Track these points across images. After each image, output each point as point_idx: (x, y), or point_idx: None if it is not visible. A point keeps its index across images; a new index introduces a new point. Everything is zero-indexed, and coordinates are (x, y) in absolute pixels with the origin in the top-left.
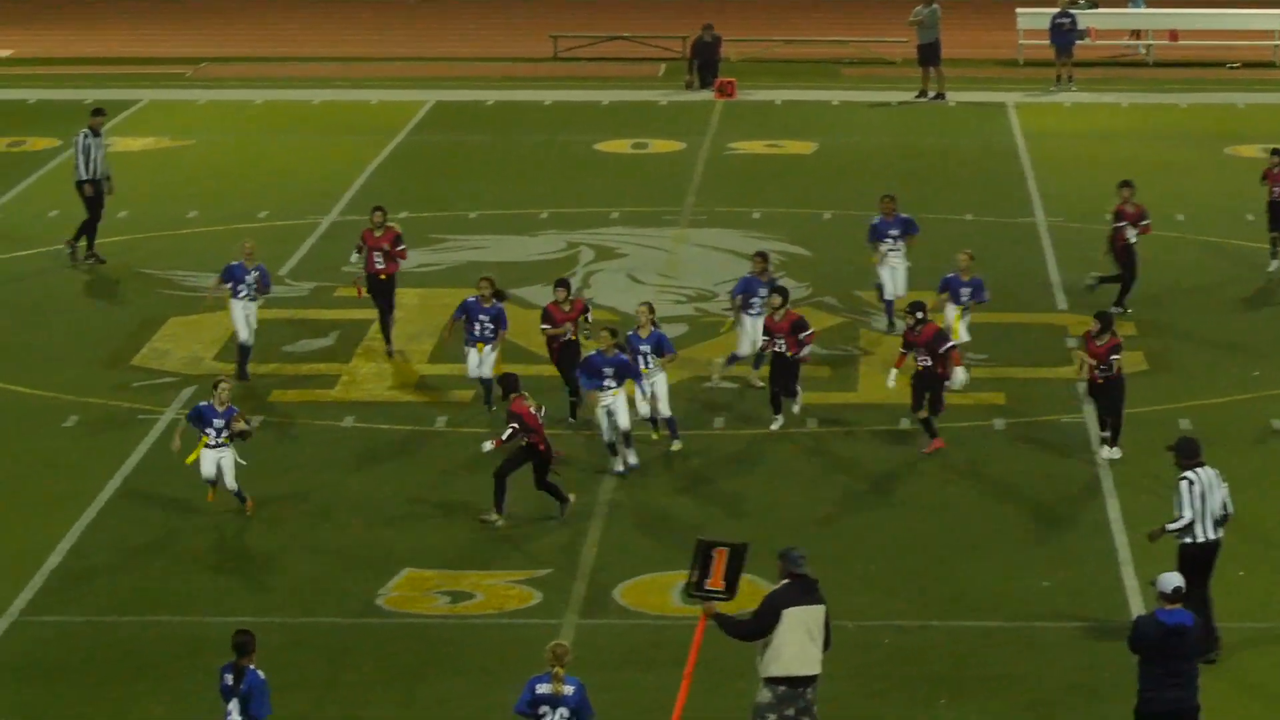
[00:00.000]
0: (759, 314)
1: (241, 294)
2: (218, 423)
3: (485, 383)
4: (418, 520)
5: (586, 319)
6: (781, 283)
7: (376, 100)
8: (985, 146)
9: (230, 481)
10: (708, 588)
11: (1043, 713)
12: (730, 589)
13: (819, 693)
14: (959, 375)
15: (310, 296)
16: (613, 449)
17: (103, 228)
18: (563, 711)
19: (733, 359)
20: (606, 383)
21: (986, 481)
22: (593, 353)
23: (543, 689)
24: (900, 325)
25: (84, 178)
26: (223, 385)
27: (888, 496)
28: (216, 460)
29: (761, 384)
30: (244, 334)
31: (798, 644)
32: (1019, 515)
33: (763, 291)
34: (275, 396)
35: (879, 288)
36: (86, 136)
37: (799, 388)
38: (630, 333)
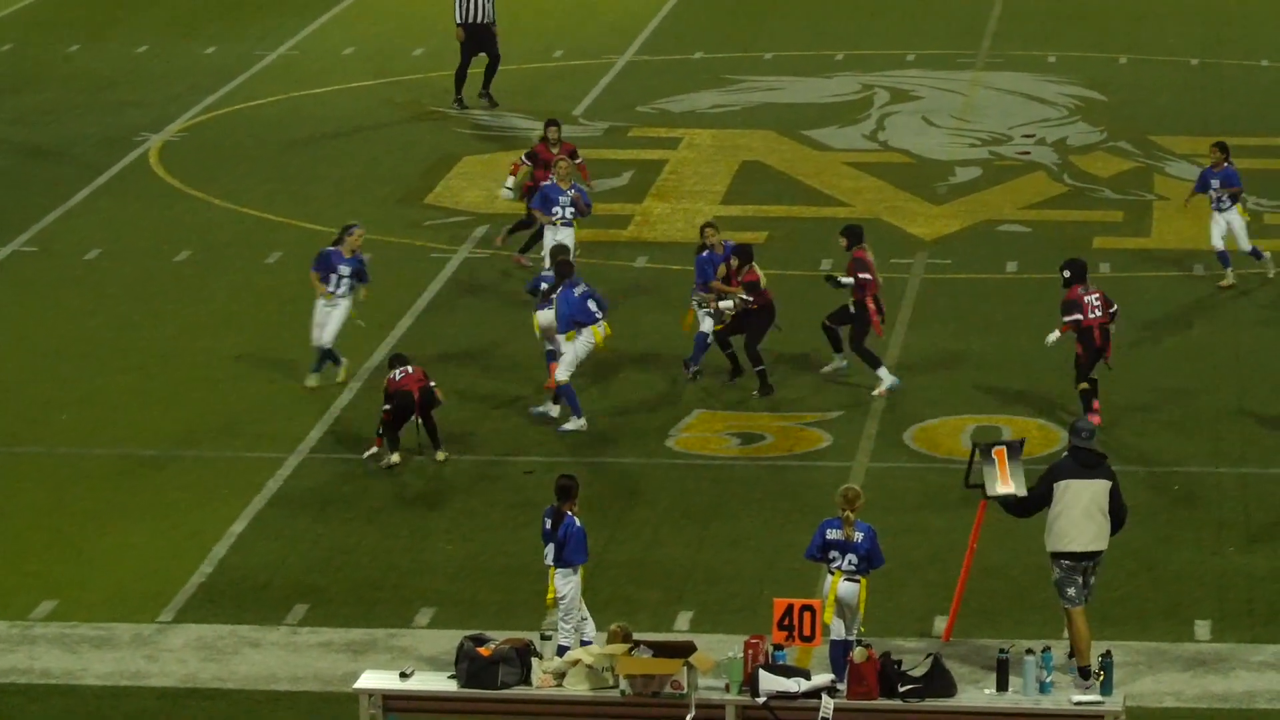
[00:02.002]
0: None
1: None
2: (343, 269)
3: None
4: (710, 364)
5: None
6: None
7: None
8: None
9: (328, 337)
10: (999, 492)
11: None
12: (1019, 486)
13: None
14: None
15: (604, 136)
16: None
17: (397, 66)
18: (852, 557)
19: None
20: None
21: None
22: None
23: (833, 534)
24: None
25: (459, 21)
26: (356, 231)
27: (1178, 340)
28: (328, 312)
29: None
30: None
31: (1072, 519)
32: None
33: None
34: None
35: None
36: None
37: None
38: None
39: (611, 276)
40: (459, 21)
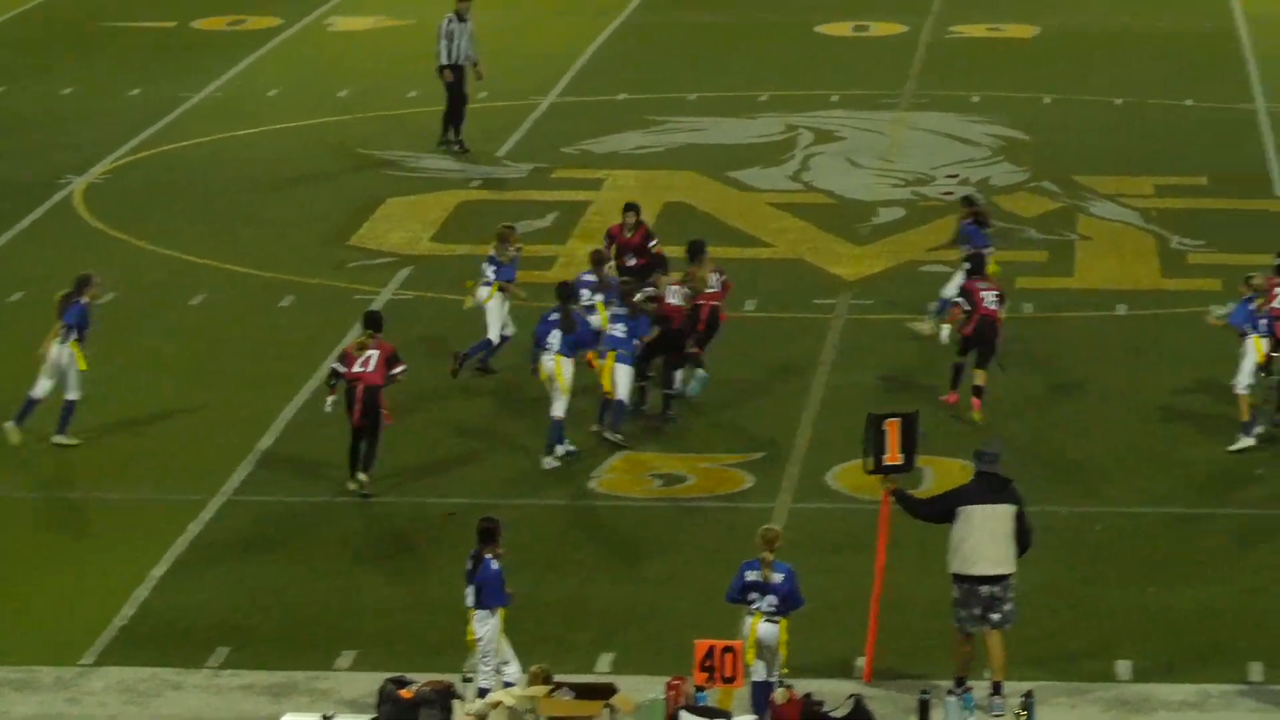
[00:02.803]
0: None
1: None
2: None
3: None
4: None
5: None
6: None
7: None
8: (1206, 31)
9: (40, 391)
10: (886, 463)
11: (1255, 599)
12: (909, 459)
13: (1027, 582)
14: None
15: (528, 178)
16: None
17: (322, 107)
18: (772, 598)
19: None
20: None
21: (1203, 370)
22: None
23: (752, 575)
24: None
25: (444, 63)
26: (95, 281)
27: (1102, 380)
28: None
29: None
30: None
31: (975, 542)
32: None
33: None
34: None
35: None
36: (450, 21)
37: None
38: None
39: (535, 317)
40: (444, 63)
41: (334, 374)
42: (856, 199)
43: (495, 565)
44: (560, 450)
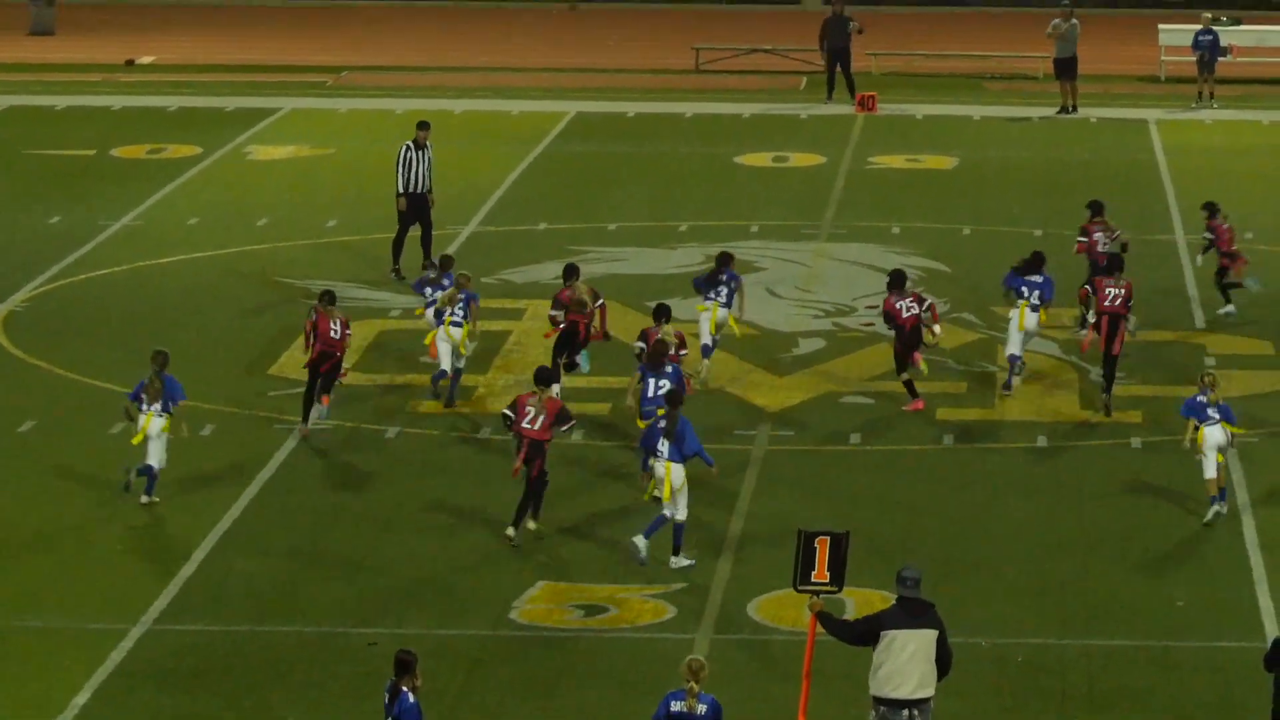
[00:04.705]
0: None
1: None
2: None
3: None
4: (553, 533)
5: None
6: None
7: (518, 110)
8: (1126, 163)
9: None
10: (813, 580)
11: None
12: (836, 580)
13: (950, 712)
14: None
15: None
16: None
17: (241, 236)
18: None
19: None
20: None
21: (1123, 499)
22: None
23: (677, 706)
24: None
25: (400, 191)
26: None
27: (1023, 511)
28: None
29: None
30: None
31: (896, 666)
32: (1154, 533)
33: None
34: (413, 406)
35: None
36: (409, 150)
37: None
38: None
39: (453, 448)
40: (401, 191)
41: (505, 419)
42: (777, 329)
43: (412, 698)
44: (683, 562)
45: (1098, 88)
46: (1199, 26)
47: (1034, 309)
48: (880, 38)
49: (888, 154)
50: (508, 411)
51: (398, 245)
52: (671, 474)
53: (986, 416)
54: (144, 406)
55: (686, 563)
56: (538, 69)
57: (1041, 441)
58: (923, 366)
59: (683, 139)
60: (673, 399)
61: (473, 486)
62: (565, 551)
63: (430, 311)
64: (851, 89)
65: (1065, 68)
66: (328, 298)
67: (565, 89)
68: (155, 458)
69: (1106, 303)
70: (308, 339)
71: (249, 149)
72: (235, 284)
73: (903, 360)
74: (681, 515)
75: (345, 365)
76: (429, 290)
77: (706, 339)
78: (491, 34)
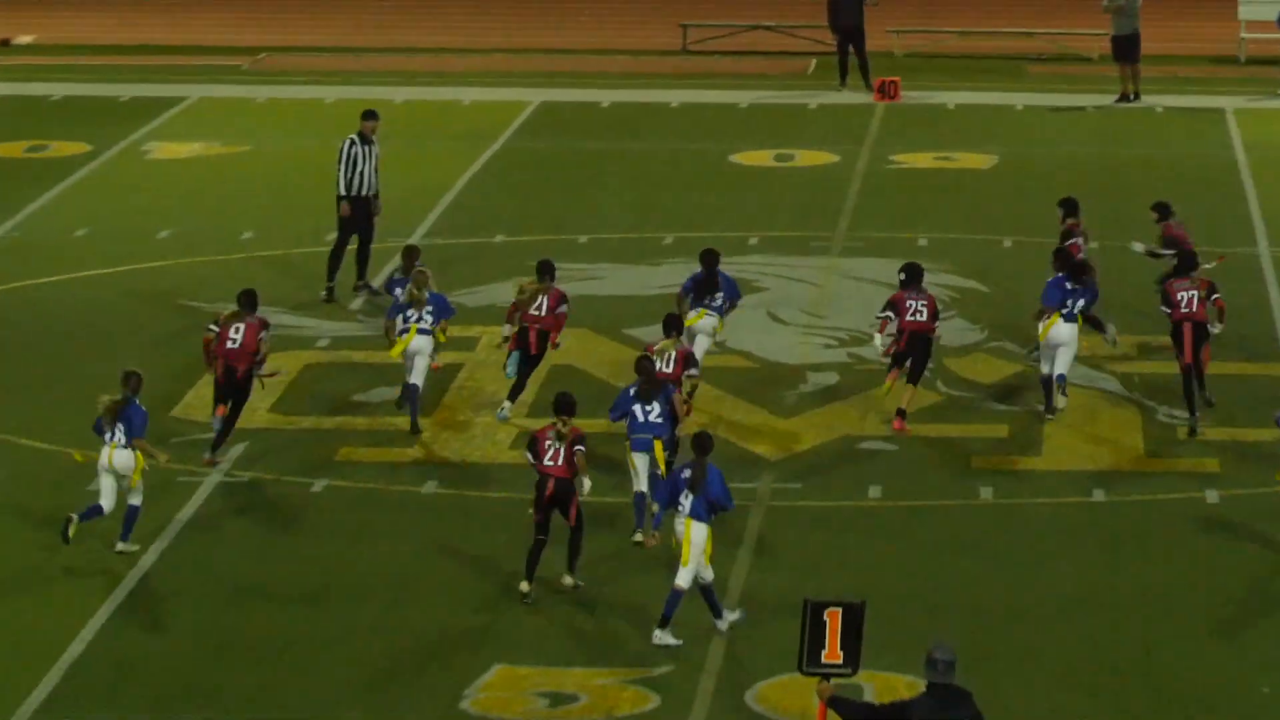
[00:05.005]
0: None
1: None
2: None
3: None
4: (512, 606)
5: None
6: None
7: (470, 100)
8: (1199, 160)
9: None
10: (824, 661)
11: None
12: (851, 660)
13: None
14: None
15: (386, 338)
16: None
17: (140, 252)
18: None
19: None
20: None
21: (1195, 564)
22: None
23: None
24: None
25: (342, 194)
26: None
27: (1074, 579)
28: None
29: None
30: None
31: None
32: (1234, 606)
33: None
34: (344, 454)
35: None
36: (354, 144)
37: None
38: None
39: (393, 504)
40: (343, 193)
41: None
42: (780, 361)
43: None
44: (731, 617)
45: (1164, 71)
46: None
47: (1069, 319)
48: (902, 11)
49: (913, 151)
50: (528, 454)
51: (335, 258)
52: (692, 533)
53: (1031, 465)
54: (106, 436)
55: (735, 616)
56: (494, 50)
57: (1098, 495)
58: (887, 385)
59: (668, 134)
60: (701, 445)
61: (415, 551)
62: (528, 626)
63: (399, 317)
64: (866, 73)
65: (1125, 47)
66: (245, 299)
67: (527, 73)
68: (108, 498)
69: (1183, 308)
70: (208, 355)
71: (148, 146)
72: (132, 308)
73: (897, 360)
74: (708, 576)
75: (268, 367)
76: (398, 291)
77: (700, 352)
78: (440, 8)
